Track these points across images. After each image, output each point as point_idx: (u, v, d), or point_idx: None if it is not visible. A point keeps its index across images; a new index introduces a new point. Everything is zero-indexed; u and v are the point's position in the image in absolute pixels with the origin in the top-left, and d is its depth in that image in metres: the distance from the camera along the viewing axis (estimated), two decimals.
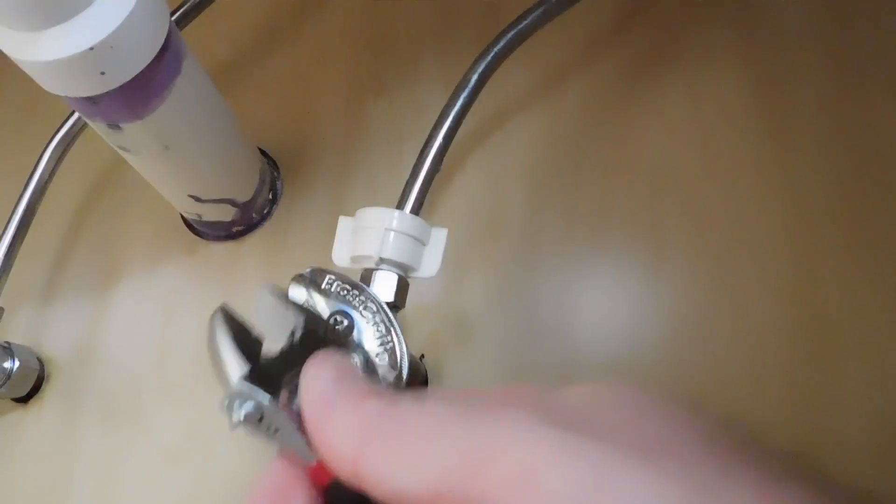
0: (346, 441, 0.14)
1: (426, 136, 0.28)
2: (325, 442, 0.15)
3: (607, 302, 0.33)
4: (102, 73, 0.22)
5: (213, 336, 0.19)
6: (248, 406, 0.17)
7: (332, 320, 0.23)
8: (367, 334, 0.22)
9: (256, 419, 0.17)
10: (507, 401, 0.14)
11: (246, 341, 0.19)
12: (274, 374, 0.18)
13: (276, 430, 0.17)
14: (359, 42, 0.41)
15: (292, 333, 0.20)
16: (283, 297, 0.21)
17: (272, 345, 0.19)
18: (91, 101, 0.24)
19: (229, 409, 0.17)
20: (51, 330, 0.36)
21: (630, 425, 0.13)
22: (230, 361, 0.18)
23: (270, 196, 0.37)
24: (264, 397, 0.17)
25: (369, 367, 0.22)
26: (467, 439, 0.12)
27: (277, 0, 0.44)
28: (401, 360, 0.22)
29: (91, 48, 0.21)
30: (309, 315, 0.20)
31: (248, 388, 0.17)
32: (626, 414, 0.13)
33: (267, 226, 0.37)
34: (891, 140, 0.35)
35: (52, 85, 0.23)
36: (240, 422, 0.17)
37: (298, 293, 0.23)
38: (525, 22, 0.29)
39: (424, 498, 0.12)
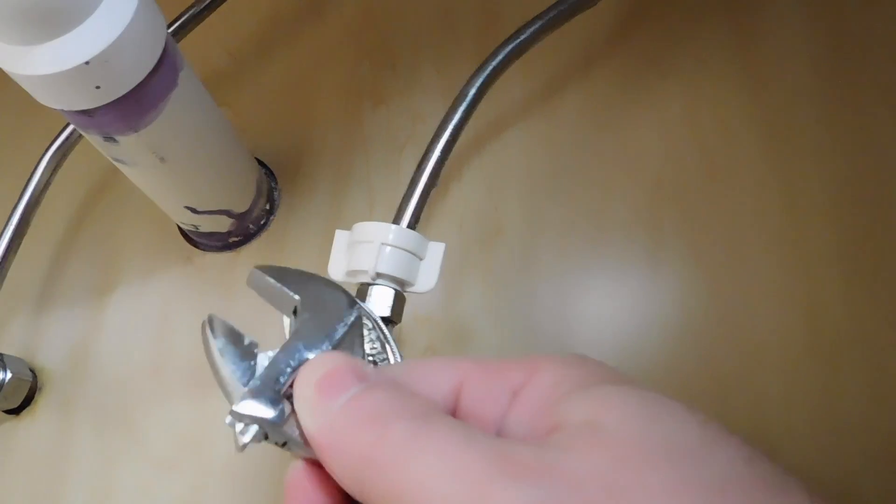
0: (346, 475, 0.14)
1: (425, 144, 0.28)
2: (329, 469, 0.15)
3: (606, 311, 0.33)
4: (97, 87, 0.22)
5: (209, 352, 0.18)
6: (251, 430, 0.16)
7: None
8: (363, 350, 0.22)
9: (262, 439, 0.16)
10: (507, 458, 0.13)
11: (242, 349, 0.18)
12: (279, 375, 0.17)
13: (285, 443, 0.16)
14: (357, 51, 0.41)
15: (293, 313, 0.19)
16: (278, 274, 0.20)
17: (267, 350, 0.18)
18: (86, 114, 0.24)
19: (233, 431, 0.16)
20: (44, 340, 0.36)
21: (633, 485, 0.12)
22: (229, 379, 0.17)
23: (267, 207, 0.37)
24: (267, 414, 0.16)
25: None
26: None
27: (275, 9, 0.44)
28: None
29: (86, 63, 0.21)
30: (309, 288, 0.19)
31: (250, 408, 0.16)
32: (634, 472, 0.12)
33: (264, 236, 0.37)
34: (888, 147, 0.35)
35: (47, 98, 0.23)
36: (244, 445, 0.16)
37: None
38: (523, 36, 0.29)
39: None
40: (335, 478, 0.15)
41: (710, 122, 0.37)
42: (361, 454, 0.13)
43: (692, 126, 0.37)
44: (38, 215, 0.34)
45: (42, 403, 0.34)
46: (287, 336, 0.19)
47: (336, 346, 0.18)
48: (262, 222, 0.37)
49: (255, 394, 0.16)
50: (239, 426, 0.16)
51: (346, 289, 0.24)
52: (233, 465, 0.32)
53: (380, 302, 0.25)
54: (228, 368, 0.17)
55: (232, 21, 0.43)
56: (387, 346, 0.22)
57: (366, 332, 0.23)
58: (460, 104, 0.28)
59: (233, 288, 0.36)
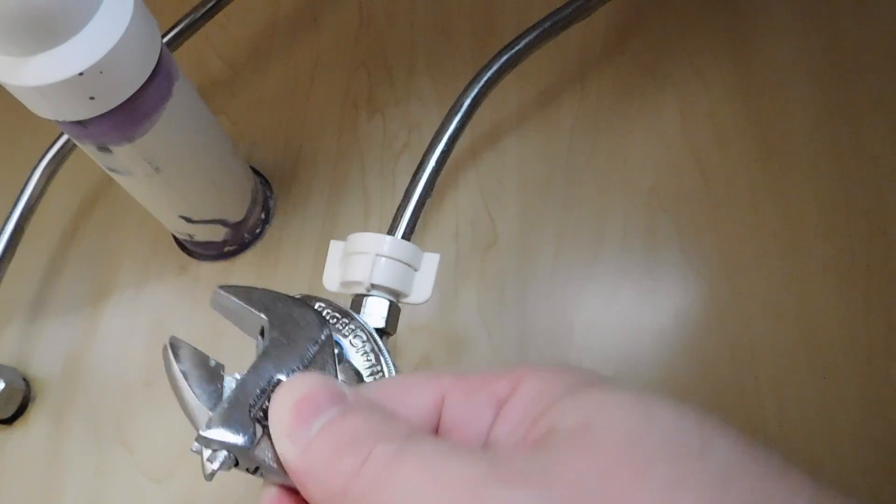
0: (327, 502, 0.13)
1: (421, 153, 0.28)
2: (307, 495, 0.14)
3: (602, 320, 0.33)
4: (91, 98, 0.22)
5: (172, 376, 0.17)
6: (220, 457, 0.15)
7: None
8: (357, 363, 0.22)
9: (231, 465, 0.16)
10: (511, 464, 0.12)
11: (208, 372, 0.17)
12: (248, 398, 0.16)
13: (256, 469, 0.16)
14: (353, 60, 0.41)
15: (260, 334, 0.18)
16: (243, 294, 0.19)
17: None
18: (80, 124, 0.24)
19: (201, 459, 0.15)
20: (38, 350, 0.35)
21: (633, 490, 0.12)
22: (194, 404, 0.16)
23: (263, 216, 0.37)
24: (237, 439, 0.15)
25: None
26: None
27: (272, 18, 0.44)
28: None
29: (80, 74, 0.21)
30: (277, 308, 0.18)
31: (218, 434, 0.15)
32: (631, 473, 0.12)
33: (259, 245, 0.37)
34: (882, 157, 0.35)
35: (41, 109, 0.23)
36: (213, 473, 0.15)
37: None
38: (518, 46, 0.29)
39: None
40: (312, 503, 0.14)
41: (706, 131, 0.37)
42: (343, 482, 0.13)
43: (687, 135, 0.37)
44: (33, 225, 0.34)
45: (35, 413, 0.34)
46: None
47: (307, 367, 0.17)
48: (257, 231, 0.37)
49: (224, 418, 0.15)
50: (207, 453, 0.15)
51: (341, 300, 0.24)
52: (225, 476, 0.31)
53: (374, 313, 0.25)
54: (193, 393, 0.16)
55: (228, 30, 0.43)
56: (381, 357, 0.22)
57: (360, 344, 0.23)
58: (455, 114, 0.28)
59: None
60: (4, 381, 0.32)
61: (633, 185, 0.36)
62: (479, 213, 0.36)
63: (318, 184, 0.38)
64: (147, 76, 0.24)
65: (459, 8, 0.42)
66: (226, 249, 0.36)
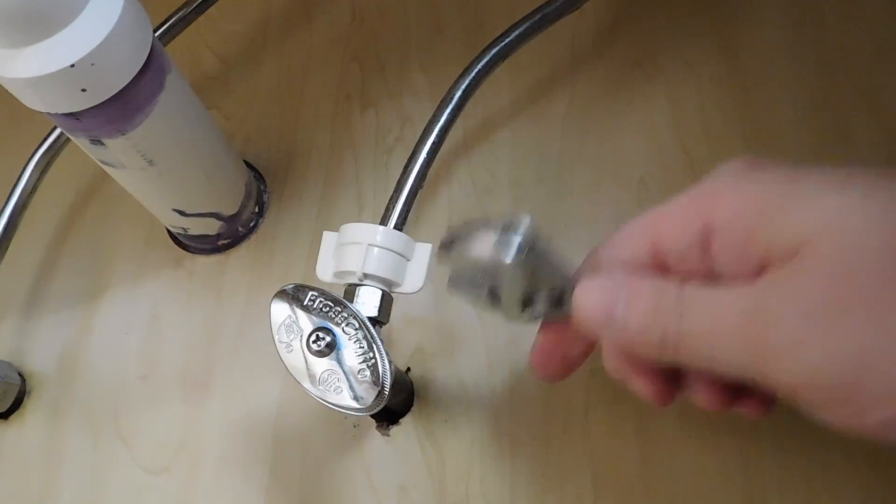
0: (652, 333, 0.18)
1: (413, 148, 0.28)
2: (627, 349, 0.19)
3: None
4: (83, 90, 0.22)
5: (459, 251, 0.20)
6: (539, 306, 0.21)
7: (313, 336, 0.23)
8: (349, 351, 0.22)
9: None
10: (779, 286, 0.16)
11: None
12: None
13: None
14: (346, 54, 0.42)
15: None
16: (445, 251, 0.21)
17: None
18: (73, 117, 0.24)
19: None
20: (33, 344, 0.36)
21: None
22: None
23: (256, 209, 0.37)
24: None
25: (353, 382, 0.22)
26: (756, 339, 0.16)
27: (264, 12, 0.44)
28: (383, 376, 0.22)
29: (72, 65, 0.21)
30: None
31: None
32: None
33: (253, 239, 0.37)
34: (868, 150, 0.35)
35: (33, 101, 0.23)
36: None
37: (280, 309, 0.23)
38: (508, 39, 0.29)
39: (731, 372, 0.17)
40: (634, 346, 0.19)
41: (694, 124, 0.37)
42: (659, 335, 0.18)
43: (676, 128, 0.37)
44: (27, 219, 0.34)
45: (31, 408, 0.34)
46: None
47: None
48: (251, 225, 0.37)
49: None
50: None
51: (335, 290, 0.25)
52: (223, 470, 0.32)
53: (367, 302, 0.25)
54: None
55: (220, 24, 0.43)
56: (373, 345, 0.23)
57: (352, 332, 0.23)
58: (446, 106, 0.28)
59: (223, 291, 0.36)
60: (0, 376, 0.32)
61: (623, 176, 0.36)
62: (472, 206, 0.37)
63: (311, 177, 0.38)
64: (139, 68, 0.24)
65: (451, 2, 0.42)
66: (220, 243, 0.36)
